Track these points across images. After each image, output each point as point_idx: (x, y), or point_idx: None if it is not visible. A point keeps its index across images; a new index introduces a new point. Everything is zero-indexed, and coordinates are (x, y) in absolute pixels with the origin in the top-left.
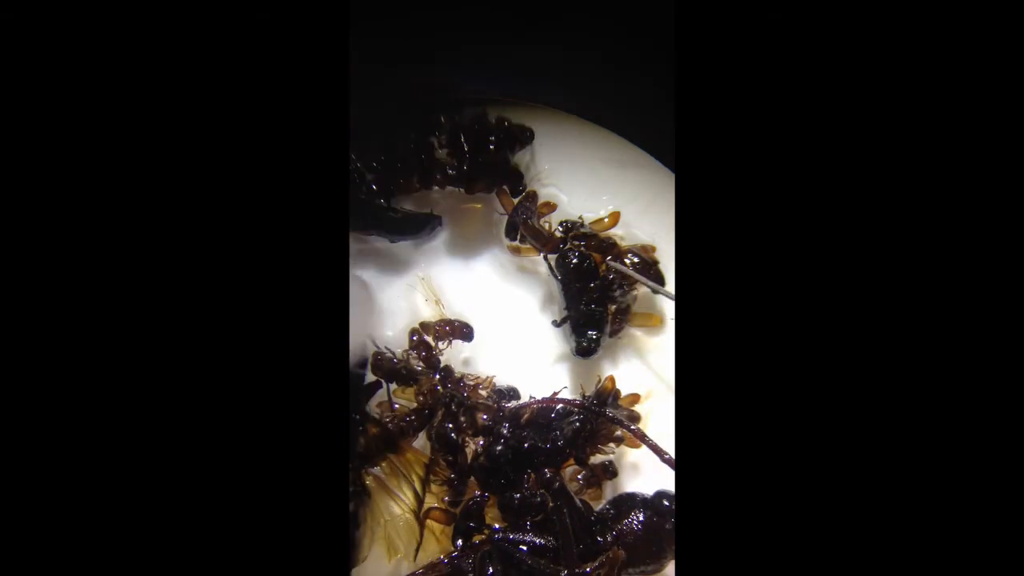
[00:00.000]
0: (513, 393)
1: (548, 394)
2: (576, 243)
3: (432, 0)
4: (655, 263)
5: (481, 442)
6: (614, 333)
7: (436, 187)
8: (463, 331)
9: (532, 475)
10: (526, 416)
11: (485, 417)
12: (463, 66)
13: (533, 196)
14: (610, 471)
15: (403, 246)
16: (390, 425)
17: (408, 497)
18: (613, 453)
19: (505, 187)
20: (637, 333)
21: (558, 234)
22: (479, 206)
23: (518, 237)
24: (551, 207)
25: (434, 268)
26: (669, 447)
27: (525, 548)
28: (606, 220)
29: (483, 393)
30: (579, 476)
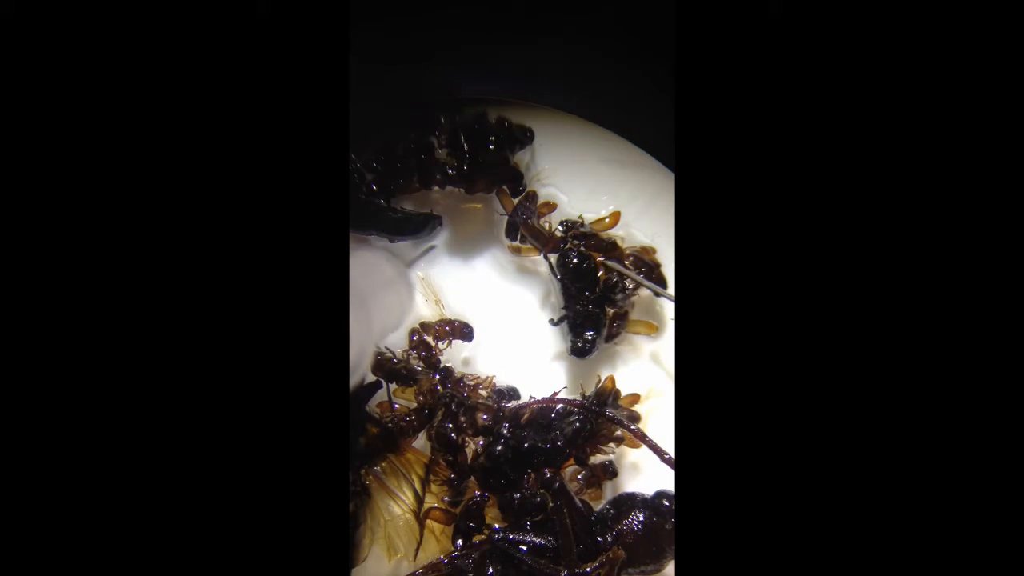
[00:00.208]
0: (513, 393)
1: (548, 394)
2: (576, 243)
3: (432, 0)
4: (657, 266)
5: (481, 442)
6: (611, 337)
7: (436, 187)
8: (463, 331)
9: (532, 475)
10: (526, 416)
11: (485, 417)
12: (463, 66)
13: (533, 196)
14: (610, 471)
15: (403, 246)
16: (390, 425)
17: (408, 497)
18: (613, 453)
19: (505, 187)
20: (639, 330)
21: (558, 234)
22: (479, 206)
23: (518, 237)
24: (551, 207)
25: (434, 268)
26: (669, 447)
27: (525, 548)
28: (607, 220)
29: (483, 393)
30: (579, 476)
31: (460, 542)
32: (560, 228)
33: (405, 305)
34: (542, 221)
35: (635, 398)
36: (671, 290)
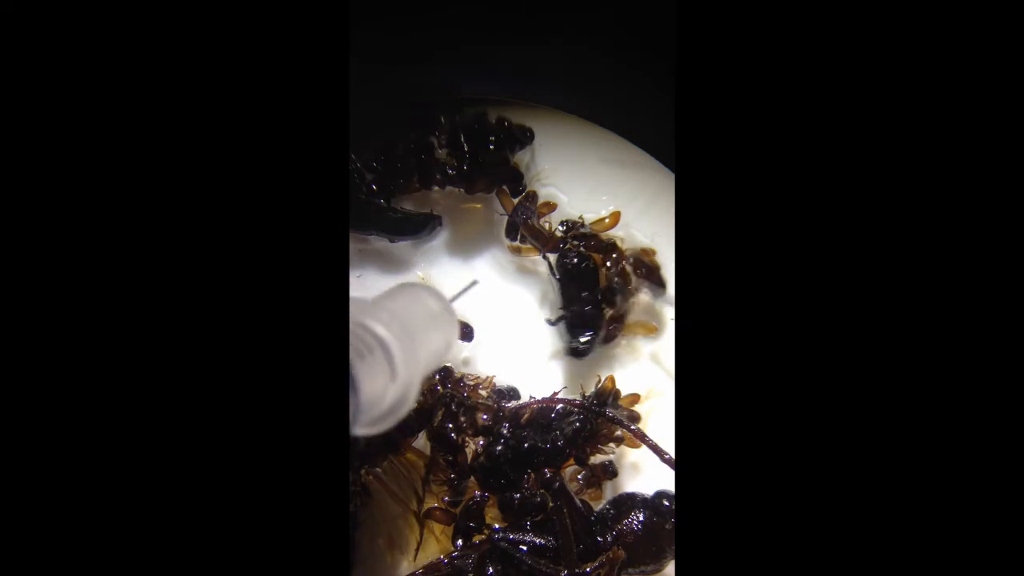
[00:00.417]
0: (513, 393)
1: (548, 394)
2: (576, 243)
3: (432, 0)
4: (657, 268)
5: (481, 442)
6: (609, 339)
7: (436, 187)
8: (463, 331)
9: (532, 475)
10: (526, 416)
11: (485, 417)
12: (463, 66)
13: (533, 196)
14: (610, 471)
15: (403, 246)
16: None
17: (408, 497)
18: (613, 453)
19: (505, 187)
20: (637, 332)
21: (559, 234)
22: (479, 206)
23: (518, 237)
24: (551, 207)
25: (434, 268)
26: (669, 447)
27: (525, 548)
28: (607, 220)
29: (483, 393)
30: (579, 476)
31: (460, 542)
32: (560, 228)
33: (450, 339)
34: (542, 221)
35: (635, 398)
36: (671, 292)
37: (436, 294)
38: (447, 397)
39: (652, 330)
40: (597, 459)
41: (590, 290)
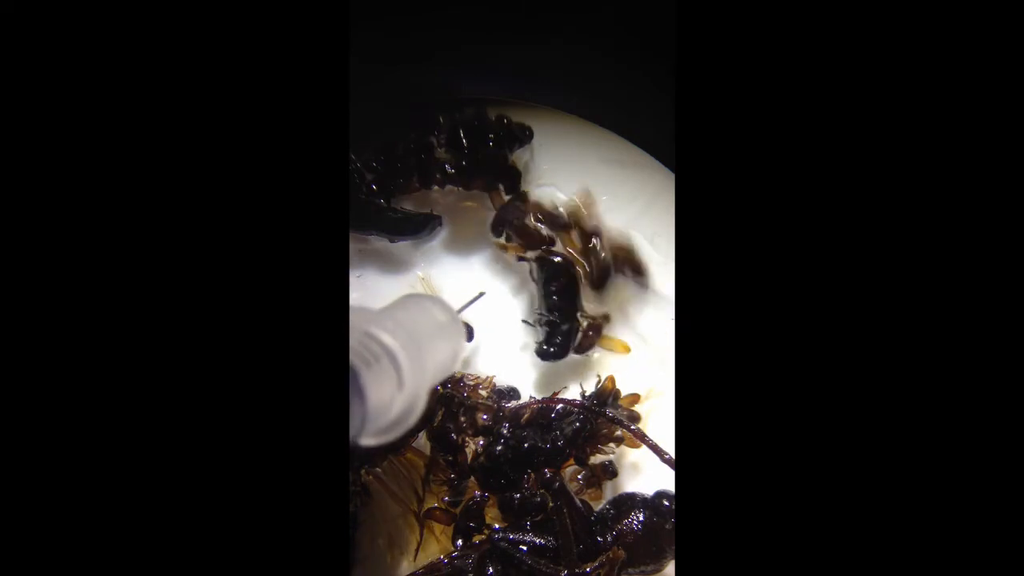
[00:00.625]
0: (513, 393)
1: (548, 394)
2: (555, 248)
3: (432, 0)
4: (632, 252)
5: (481, 442)
6: (582, 349)
7: (436, 187)
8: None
9: (532, 475)
10: (526, 416)
11: (485, 417)
12: (463, 66)
13: (524, 196)
14: (610, 471)
15: (403, 246)
16: None
17: (408, 497)
18: (613, 453)
19: (499, 186)
20: (638, 331)
21: (544, 232)
22: (478, 205)
23: (504, 235)
24: (540, 206)
25: (434, 268)
26: (669, 447)
27: (525, 548)
28: (584, 204)
29: (483, 393)
30: (579, 476)
31: (460, 542)
32: (542, 226)
33: (457, 350)
34: (532, 220)
35: (635, 398)
36: (671, 293)
37: (443, 305)
38: (447, 397)
39: (627, 349)
40: (597, 459)
41: (566, 296)
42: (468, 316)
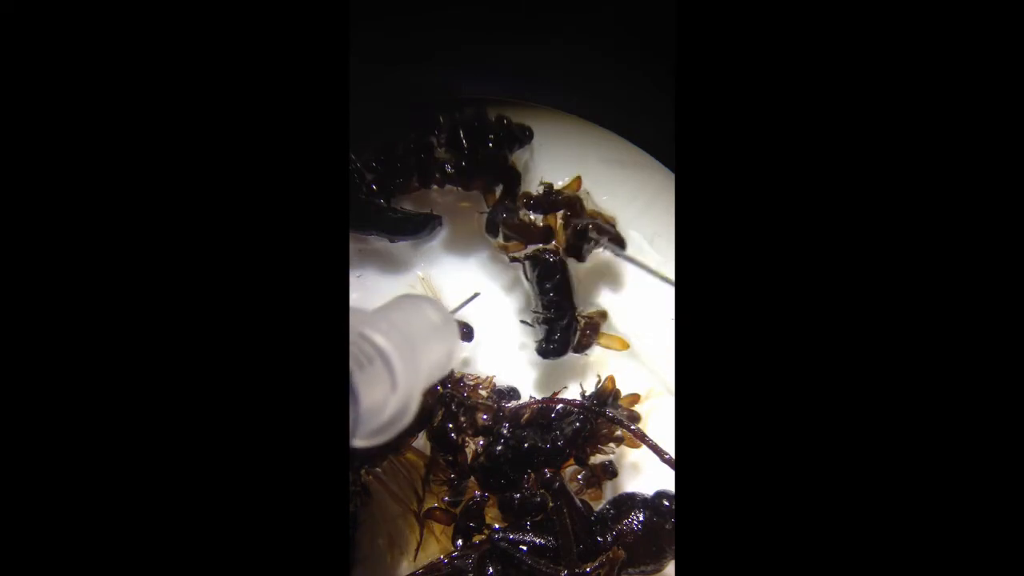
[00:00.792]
0: (513, 393)
1: (548, 394)
2: (549, 248)
3: (432, 0)
4: (612, 224)
5: (481, 442)
6: (581, 348)
7: (436, 187)
8: (463, 331)
9: (532, 475)
10: (526, 416)
11: (485, 417)
12: (463, 66)
13: (516, 195)
14: (610, 471)
15: (403, 246)
16: None
17: (408, 497)
18: (613, 453)
19: (496, 186)
20: (638, 331)
21: (540, 223)
22: (478, 206)
23: (500, 235)
24: (529, 194)
25: (434, 268)
26: (669, 447)
27: (525, 548)
28: (571, 184)
29: (483, 393)
30: (579, 476)
31: (460, 542)
32: (534, 214)
33: (452, 351)
34: (523, 212)
35: (635, 398)
36: (671, 293)
37: (437, 305)
38: (447, 397)
39: (625, 346)
40: (597, 459)
41: (561, 292)
42: (468, 316)
